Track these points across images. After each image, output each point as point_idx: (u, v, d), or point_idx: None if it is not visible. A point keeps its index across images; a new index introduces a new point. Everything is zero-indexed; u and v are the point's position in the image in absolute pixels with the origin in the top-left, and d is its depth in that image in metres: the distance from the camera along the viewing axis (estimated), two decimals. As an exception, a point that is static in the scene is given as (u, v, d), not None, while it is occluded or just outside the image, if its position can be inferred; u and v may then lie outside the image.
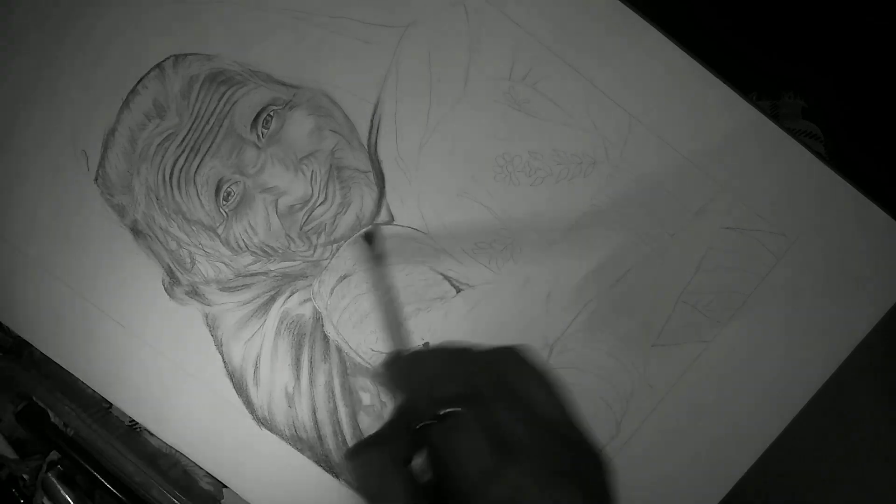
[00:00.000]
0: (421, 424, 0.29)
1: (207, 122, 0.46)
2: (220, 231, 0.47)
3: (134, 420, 0.52)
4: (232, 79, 0.46)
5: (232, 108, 0.46)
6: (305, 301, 0.47)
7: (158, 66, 0.46)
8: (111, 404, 0.51)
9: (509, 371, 0.31)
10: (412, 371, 0.32)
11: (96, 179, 0.47)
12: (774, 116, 0.48)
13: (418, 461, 0.30)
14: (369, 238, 0.44)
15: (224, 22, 0.46)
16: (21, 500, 0.53)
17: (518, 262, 0.47)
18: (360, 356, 0.47)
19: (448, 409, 0.29)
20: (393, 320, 0.37)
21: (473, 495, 0.27)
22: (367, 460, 0.29)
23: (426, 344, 0.47)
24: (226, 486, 0.50)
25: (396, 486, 0.28)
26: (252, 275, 0.47)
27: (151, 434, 0.51)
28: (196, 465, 0.49)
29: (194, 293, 0.47)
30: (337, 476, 0.48)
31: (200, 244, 0.47)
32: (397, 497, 0.28)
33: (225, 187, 0.46)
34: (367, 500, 0.29)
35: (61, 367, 0.48)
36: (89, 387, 0.49)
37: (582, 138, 0.47)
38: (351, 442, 0.48)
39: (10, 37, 0.47)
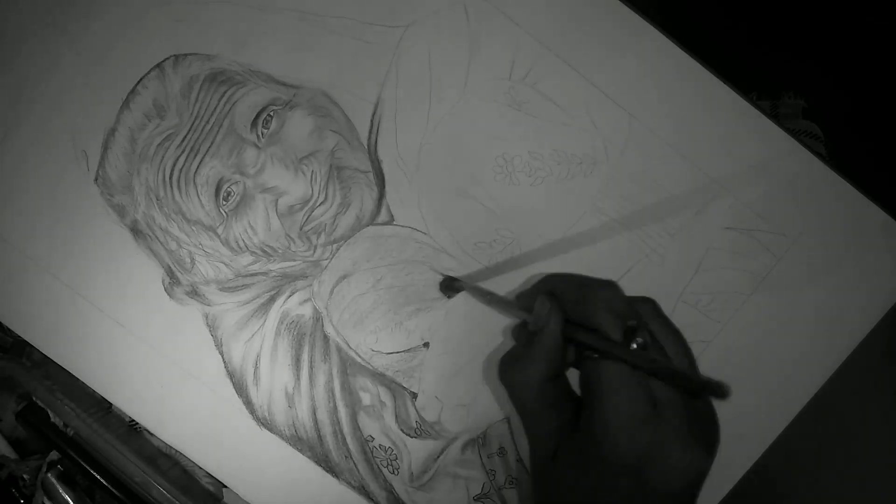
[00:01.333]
0: (594, 354, 0.30)
1: (207, 122, 0.46)
2: (220, 231, 0.47)
3: (134, 420, 0.52)
4: (232, 79, 0.46)
5: (232, 108, 0.46)
6: (305, 301, 0.47)
7: (158, 66, 0.46)
8: (111, 404, 0.51)
9: (653, 323, 0.33)
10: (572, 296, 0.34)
11: (96, 179, 0.47)
12: (774, 116, 0.48)
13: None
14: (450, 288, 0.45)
15: (224, 22, 0.46)
16: (21, 500, 0.53)
17: (518, 262, 0.47)
18: (359, 356, 0.47)
19: (636, 341, 0.30)
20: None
21: (618, 435, 0.29)
22: (528, 374, 0.32)
23: (426, 344, 0.47)
24: (226, 486, 0.50)
25: (549, 402, 0.32)
26: (252, 275, 0.47)
27: (151, 434, 0.51)
28: (196, 465, 0.49)
29: (194, 293, 0.47)
30: (337, 476, 0.48)
31: (200, 244, 0.47)
32: (548, 415, 0.32)
33: (225, 187, 0.46)
34: (521, 412, 0.33)
35: (61, 367, 0.48)
36: (89, 387, 0.49)
37: (582, 138, 0.47)
38: (351, 442, 0.48)
39: (11, 37, 0.47)
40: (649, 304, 0.34)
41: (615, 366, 0.30)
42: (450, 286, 0.45)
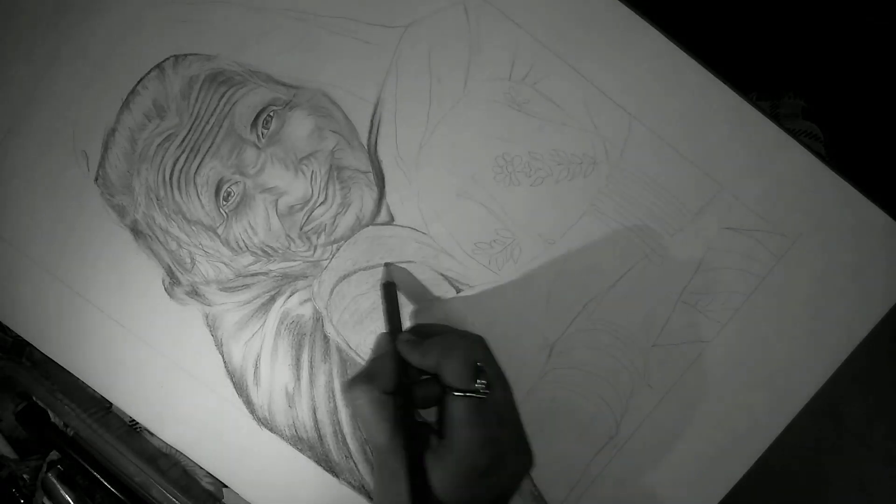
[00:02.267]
0: (456, 390, 0.38)
1: (207, 123, 0.46)
2: (220, 231, 0.47)
3: (134, 420, 0.52)
4: (232, 79, 0.46)
5: (232, 108, 0.46)
6: (305, 301, 0.47)
7: (158, 66, 0.46)
8: (111, 404, 0.51)
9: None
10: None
11: (96, 180, 0.47)
12: (774, 116, 0.48)
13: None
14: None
15: (224, 22, 0.46)
16: (21, 500, 0.53)
17: (518, 262, 0.47)
18: (360, 356, 0.47)
19: (482, 387, 0.37)
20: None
21: (470, 453, 0.36)
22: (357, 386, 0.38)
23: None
24: (226, 486, 0.50)
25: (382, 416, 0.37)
26: (252, 275, 0.47)
27: (151, 434, 0.51)
28: (196, 465, 0.49)
29: (194, 293, 0.47)
30: (337, 476, 0.48)
31: (200, 244, 0.47)
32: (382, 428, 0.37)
33: (225, 187, 0.46)
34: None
35: (61, 367, 0.48)
36: (89, 387, 0.49)
37: (582, 138, 0.47)
38: (351, 442, 0.48)
39: (11, 38, 0.47)
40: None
41: (464, 401, 0.37)
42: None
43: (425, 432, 0.39)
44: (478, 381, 0.37)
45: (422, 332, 0.42)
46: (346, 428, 0.48)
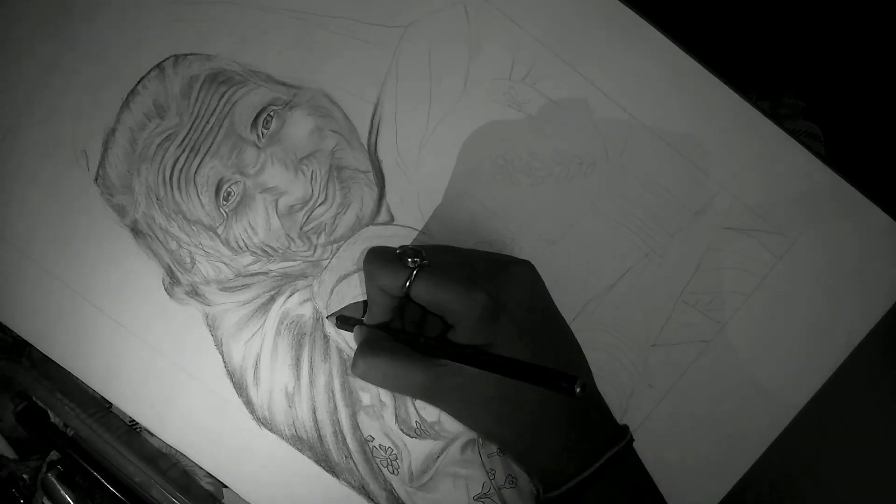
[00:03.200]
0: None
1: (207, 122, 0.46)
2: (220, 231, 0.47)
3: (134, 420, 0.52)
4: (232, 79, 0.46)
5: (232, 108, 0.46)
6: (305, 301, 0.47)
7: (158, 66, 0.46)
8: (111, 404, 0.51)
9: None
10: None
11: (96, 179, 0.47)
12: (774, 116, 0.48)
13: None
14: None
15: (224, 22, 0.46)
16: (21, 500, 0.53)
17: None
18: (360, 356, 0.47)
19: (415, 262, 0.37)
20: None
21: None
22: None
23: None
24: (226, 486, 0.50)
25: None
26: (252, 275, 0.47)
27: (151, 434, 0.51)
28: (196, 465, 0.49)
29: (194, 293, 0.47)
30: (337, 476, 0.48)
31: (200, 244, 0.47)
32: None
33: (225, 187, 0.46)
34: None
35: (61, 367, 0.48)
36: (89, 387, 0.49)
37: (582, 138, 0.47)
38: (351, 442, 0.48)
39: (11, 37, 0.47)
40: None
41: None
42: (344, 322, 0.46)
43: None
44: (409, 262, 0.37)
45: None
46: (346, 428, 0.48)
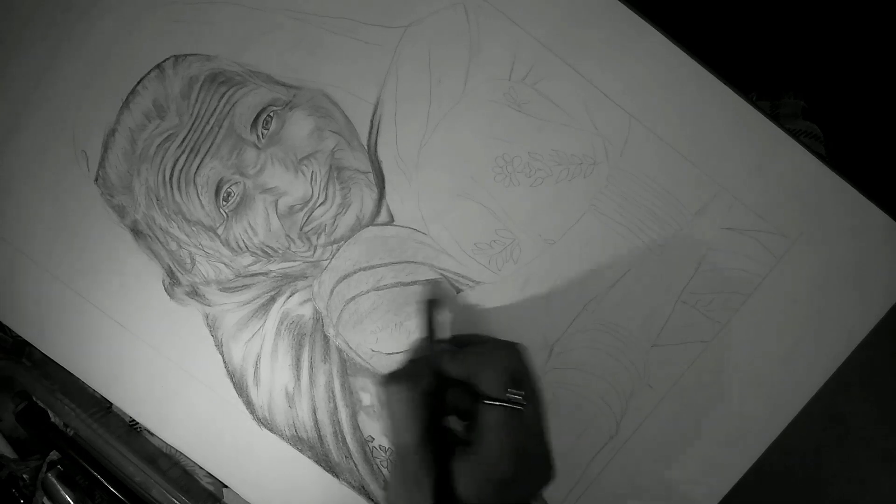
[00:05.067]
0: (490, 399, 0.37)
1: (207, 123, 0.46)
2: (220, 231, 0.47)
3: (134, 420, 0.52)
4: (232, 79, 0.46)
5: (232, 108, 0.46)
6: (305, 301, 0.47)
7: (158, 66, 0.46)
8: (111, 404, 0.51)
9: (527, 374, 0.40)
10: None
11: (96, 180, 0.47)
12: (774, 116, 0.48)
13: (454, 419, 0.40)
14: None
15: (224, 22, 0.46)
16: (21, 500, 0.53)
17: (518, 262, 0.47)
18: (360, 356, 0.47)
19: (517, 396, 0.38)
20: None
21: (498, 461, 0.36)
22: (399, 391, 0.38)
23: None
24: (226, 486, 0.50)
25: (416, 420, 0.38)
26: (252, 275, 0.47)
27: (151, 434, 0.51)
28: (196, 465, 0.49)
29: (194, 294, 0.47)
30: (337, 476, 0.48)
31: (200, 245, 0.47)
32: (414, 429, 0.37)
33: (225, 188, 0.46)
34: (389, 422, 0.39)
35: (61, 367, 0.48)
36: (89, 387, 0.49)
37: (582, 138, 0.47)
38: (351, 442, 0.48)
39: (11, 38, 0.47)
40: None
41: (495, 410, 0.37)
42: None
43: (451, 438, 0.39)
44: (514, 391, 0.38)
45: (458, 342, 0.43)
46: (346, 428, 0.48)
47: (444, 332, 0.45)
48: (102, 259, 0.48)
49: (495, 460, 0.36)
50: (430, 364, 0.41)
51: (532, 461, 0.38)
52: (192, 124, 0.46)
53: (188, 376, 0.48)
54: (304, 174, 0.46)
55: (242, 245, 0.47)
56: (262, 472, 0.48)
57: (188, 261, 0.47)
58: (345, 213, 0.47)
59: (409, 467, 0.37)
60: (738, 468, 0.48)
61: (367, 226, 0.47)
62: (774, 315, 0.47)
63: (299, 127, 0.46)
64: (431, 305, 0.44)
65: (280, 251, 0.47)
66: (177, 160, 0.46)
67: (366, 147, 0.47)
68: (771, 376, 0.47)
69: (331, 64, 0.46)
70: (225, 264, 0.47)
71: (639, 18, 0.46)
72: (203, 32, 0.47)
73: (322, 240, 0.47)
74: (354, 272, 0.47)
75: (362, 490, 0.48)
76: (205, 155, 0.46)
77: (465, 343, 0.42)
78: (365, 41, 0.46)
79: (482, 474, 0.37)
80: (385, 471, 0.48)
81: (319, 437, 0.48)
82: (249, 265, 0.47)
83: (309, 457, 0.48)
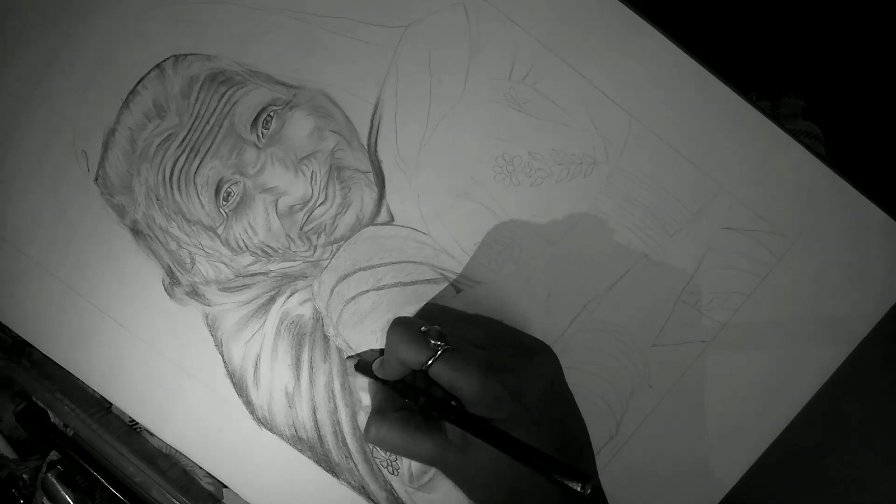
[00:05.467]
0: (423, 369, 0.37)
1: (207, 123, 0.46)
2: (220, 231, 0.47)
3: (134, 420, 0.52)
4: (232, 79, 0.46)
5: (232, 108, 0.46)
6: (305, 301, 0.47)
7: (158, 66, 0.46)
8: (111, 404, 0.51)
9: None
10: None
11: (96, 180, 0.47)
12: (774, 116, 0.48)
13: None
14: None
15: (224, 22, 0.46)
16: (21, 501, 0.53)
17: (518, 262, 0.47)
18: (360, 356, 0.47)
19: (438, 345, 0.36)
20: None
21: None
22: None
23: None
24: (226, 486, 0.50)
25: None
26: (252, 275, 0.47)
27: (151, 434, 0.51)
28: (196, 465, 0.49)
29: (194, 293, 0.47)
30: (337, 476, 0.48)
31: (200, 244, 0.47)
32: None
33: (225, 187, 0.46)
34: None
35: (61, 367, 0.48)
36: (89, 387, 0.49)
37: (582, 138, 0.47)
38: (351, 442, 0.48)
39: (11, 37, 0.47)
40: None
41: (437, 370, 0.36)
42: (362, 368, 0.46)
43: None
44: (433, 345, 0.37)
45: (474, 322, 0.42)
46: (346, 428, 0.48)
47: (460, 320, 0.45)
48: (102, 259, 0.48)
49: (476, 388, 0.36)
50: (380, 389, 0.41)
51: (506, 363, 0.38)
52: (192, 124, 0.46)
53: (188, 376, 0.48)
54: (304, 174, 0.46)
55: (242, 245, 0.47)
56: (262, 472, 0.48)
57: (188, 260, 0.47)
58: (345, 212, 0.47)
59: (450, 464, 0.37)
60: (737, 468, 0.48)
61: (367, 226, 0.47)
62: (774, 315, 0.47)
63: (299, 127, 0.46)
64: (363, 367, 0.45)
65: (280, 251, 0.47)
66: (177, 160, 0.46)
67: (366, 147, 0.47)
68: (771, 376, 0.47)
69: (331, 64, 0.46)
70: (225, 264, 0.47)
71: (639, 18, 0.46)
72: (203, 32, 0.47)
73: (322, 240, 0.47)
74: (354, 272, 0.47)
75: (362, 490, 0.48)
76: (205, 155, 0.46)
77: (486, 326, 0.42)
78: (365, 41, 0.46)
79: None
80: (385, 471, 0.48)
81: (319, 437, 0.48)
82: (249, 265, 0.47)
83: (309, 457, 0.48)
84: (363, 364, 0.45)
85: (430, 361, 0.36)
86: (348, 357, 0.47)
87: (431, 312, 0.46)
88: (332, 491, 0.48)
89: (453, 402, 0.38)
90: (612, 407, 0.47)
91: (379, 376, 0.41)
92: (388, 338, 0.38)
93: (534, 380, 0.39)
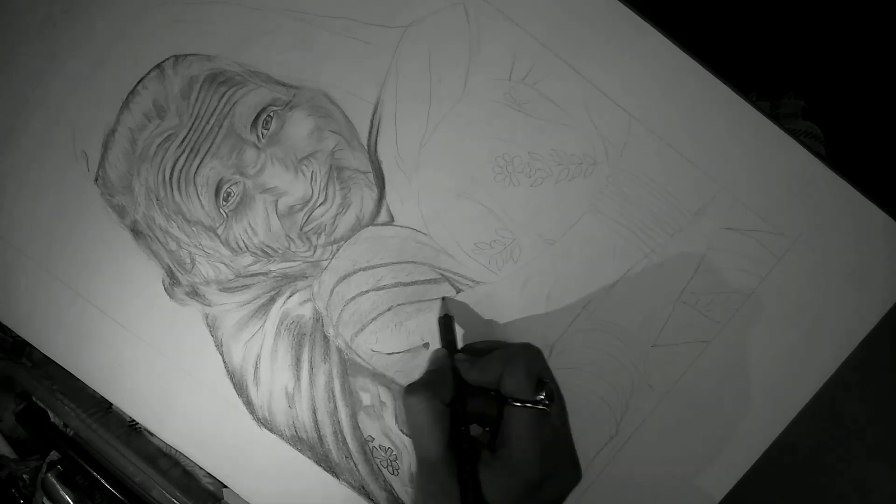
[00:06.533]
0: (518, 401, 0.38)
1: (207, 123, 0.46)
2: (220, 231, 0.47)
3: (134, 420, 0.52)
4: (232, 79, 0.46)
5: (232, 108, 0.46)
6: (305, 301, 0.47)
7: (158, 66, 0.46)
8: (111, 404, 0.51)
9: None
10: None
11: (96, 180, 0.47)
12: (774, 116, 0.48)
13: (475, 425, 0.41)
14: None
15: (224, 22, 0.46)
16: (21, 501, 0.53)
17: (518, 262, 0.47)
18: (359, 356, 0.47)
19: (543, 399, 0.38)
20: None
21: (529, 463, 0.36)
22: (423, 399, 0.38)
23: (426, 345, 0.47)
24: (226, 486, 0.50)
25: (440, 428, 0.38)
26: (252, 275, 0.47)
27: (151, 434, 0.51)
28: (196, 465, 0.49)
29: (194, 294, 0.47)
30: (337, 476, 0.48)
31: (200, 245, 0.47)
32: (439, 438, 0.38)
33: (225, 188, 0.46)
34: (412, 434, 0.39)
35: (61, 367, 0.48)
36: (89, 387, 0.49)
37: (582, 138, 0.47)
38: (351, 442, 0.48)
39: (11, 37, 0.47)
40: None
41: (522, 414, 0.37)
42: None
43: (477, 446, 0.39)
44: (540, 393, 0.38)
45: (474, 351, 0.43)
46: (346, 428, 0.48)
47: (458, 342, 0.46)
48: (102, 259, 0.48)
49: (524, 464, 0.36)
50: (450, 374, 0.41)
51: (559, 462, 0.38)
52: (192, 124, 0.46)
53: (188, 376, 0.48)
54: (304, 174, 0.46)
55: (242, 245, 0.47)
56: (261, 473, 0.48)
57: (188, 261, 0.47)
58: (345, 213, 0.47)
59: (437, 478, 0.37)
60: (738, 468, 0.48)
61: (367, 226, 0.47)
62: (774, 315, 0.47)
63: (299, 127, 0.46)
64: (448, 321, 0.45)
65: (280, 251, 0.47)
66: (177, 160, 0.46)
67: (366, 147, 0.47)
68: (771, 376, 0.47)
69: (331, 64, 0.46)
70: (225, 264, 0.47)
71: (639, 18, 0.46)
72: (203, 32, 0.47)
73: (322, 240, 0.47)
74: (354, 272, 0.47)
75: (362, 490, 0.48)
76: (205, 155, 0.46)
77: (479, 351, 0.42)
78: (365, 41, 0.46)
79: (511, 479, 0.36)
80: (385, 471, 0.48)
81: (319, 437, 0.48)
82: (249, 265, 0.47)
83: (309, 457, 0.48)
84: (449, 336, 0.45)
85: (519, 404, 0.38)
86: (444, 301, 0.46)
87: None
88: (332, 491, 0.48)
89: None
90: (611, 407, 0.47)
91: (461, 370, 0.41)
92: (519, 356, 0.39)
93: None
